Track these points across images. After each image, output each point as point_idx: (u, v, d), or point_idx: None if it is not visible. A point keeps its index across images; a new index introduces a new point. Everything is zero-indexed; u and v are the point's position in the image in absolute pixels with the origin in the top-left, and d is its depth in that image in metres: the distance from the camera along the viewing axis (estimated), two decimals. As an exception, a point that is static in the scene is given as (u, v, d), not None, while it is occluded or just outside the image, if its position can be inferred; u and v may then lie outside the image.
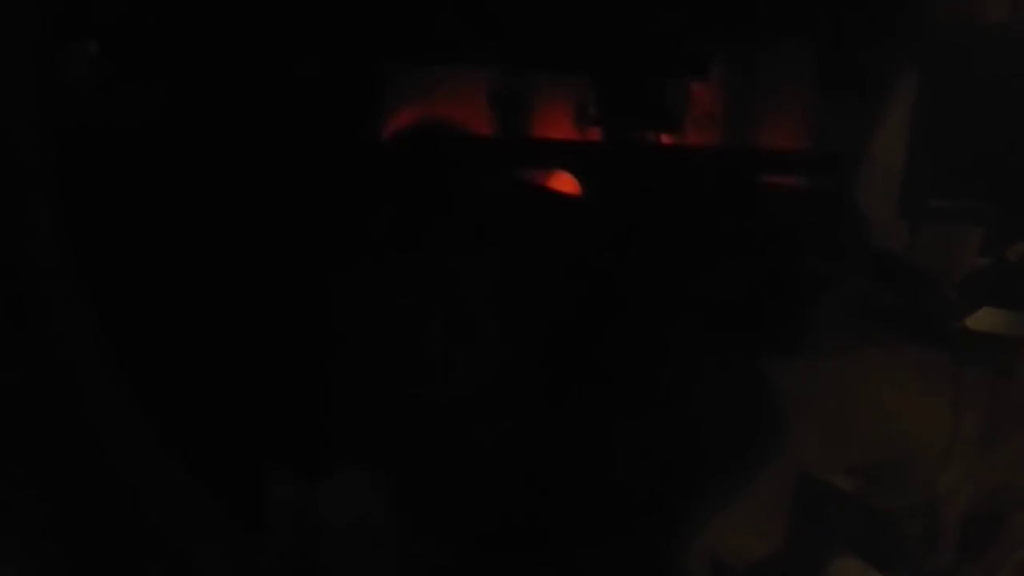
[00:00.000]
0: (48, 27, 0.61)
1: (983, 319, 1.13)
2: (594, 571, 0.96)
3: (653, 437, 0.98)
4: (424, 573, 0.87)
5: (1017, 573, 1.10)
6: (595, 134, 1.15)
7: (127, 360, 0.67)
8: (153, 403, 0.67)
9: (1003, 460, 1.15)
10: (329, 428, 0.78)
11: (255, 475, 0.76)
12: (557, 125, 1.15)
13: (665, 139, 1.18)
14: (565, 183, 1.10)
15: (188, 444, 0.68)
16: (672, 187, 1.04)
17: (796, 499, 1.22)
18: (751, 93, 1.24)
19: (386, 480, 0.80)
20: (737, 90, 1.24)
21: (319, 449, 0.80)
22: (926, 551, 1.19)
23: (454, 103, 1.11)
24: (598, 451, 0.93)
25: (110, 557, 0.64)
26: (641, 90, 1.12)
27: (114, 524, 0.63)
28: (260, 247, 0.83)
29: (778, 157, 1.25)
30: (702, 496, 1.08)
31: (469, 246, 0.97)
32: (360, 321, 0.83)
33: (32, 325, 0.61)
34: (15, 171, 0.62)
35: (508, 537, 0.88)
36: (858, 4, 1.05)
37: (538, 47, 1.05)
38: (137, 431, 0.63)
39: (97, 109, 0.97)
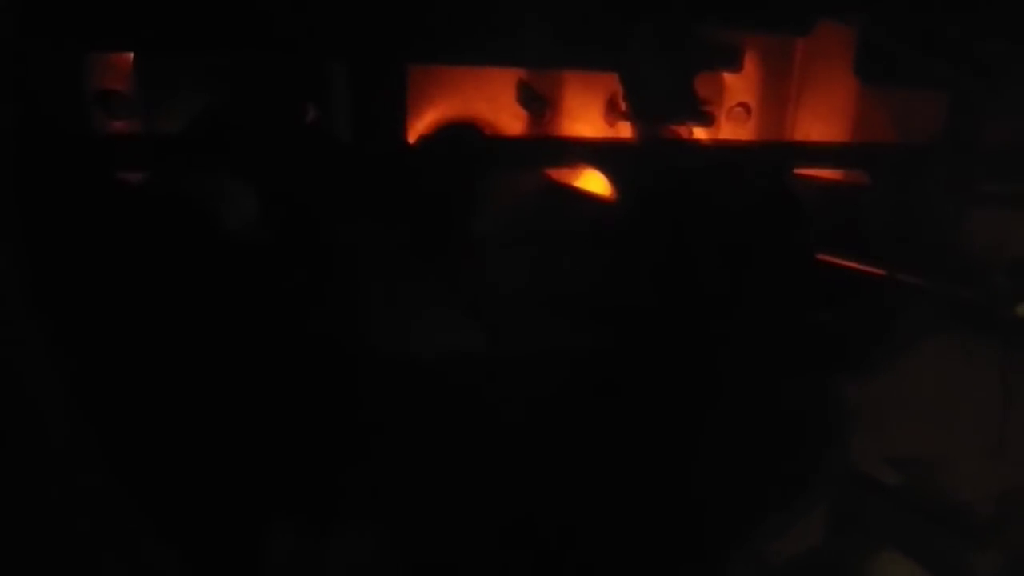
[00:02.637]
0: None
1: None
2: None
3: (713, 452, 0.96)
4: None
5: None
6: (625, 129, 1.14)
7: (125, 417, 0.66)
8: (155, 464, 0.67)
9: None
10: (336, 485, 0.78)
11: (258, 532, 0.76)
12: (587, 121, 1.15)
13: (697, 133, 1.16)
14: (594, 181, 1.09)
15: (190, 502, 0.69)
16: (704, 183, 1.02)
17: (838, 491, 1.20)
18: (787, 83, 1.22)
19: (393, 537, 0.80)
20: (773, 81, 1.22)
21: (325, 506, 0.79)
22: (973, 548, 1.17)
23: (483, 101, 1.10)
24: (638, 483, 0.92)
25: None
26: (672, 83, 1.10)
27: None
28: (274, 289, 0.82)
29: (815, 148, 1.22)
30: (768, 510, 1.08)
31: (498, 248, 0.97)
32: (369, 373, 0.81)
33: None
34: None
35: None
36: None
37: (566, 43, 1.03)
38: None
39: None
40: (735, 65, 1.19)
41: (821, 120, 1.24)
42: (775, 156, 1.19)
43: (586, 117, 1.14)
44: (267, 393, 0.73)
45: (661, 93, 1.10)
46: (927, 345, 1.14)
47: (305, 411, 0.74)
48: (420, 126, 1.08)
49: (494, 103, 1.11)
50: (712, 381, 0.96)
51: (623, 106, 1.13)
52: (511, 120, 1.12)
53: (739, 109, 1.22)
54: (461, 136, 1.09)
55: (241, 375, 0.72)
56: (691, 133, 1.16)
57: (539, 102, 1.12)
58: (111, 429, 0.56)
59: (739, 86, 1.21)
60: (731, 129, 1.22)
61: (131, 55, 0.98)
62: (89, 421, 0.54)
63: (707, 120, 1.15)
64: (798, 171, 1.19)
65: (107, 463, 0.54)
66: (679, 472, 0.96)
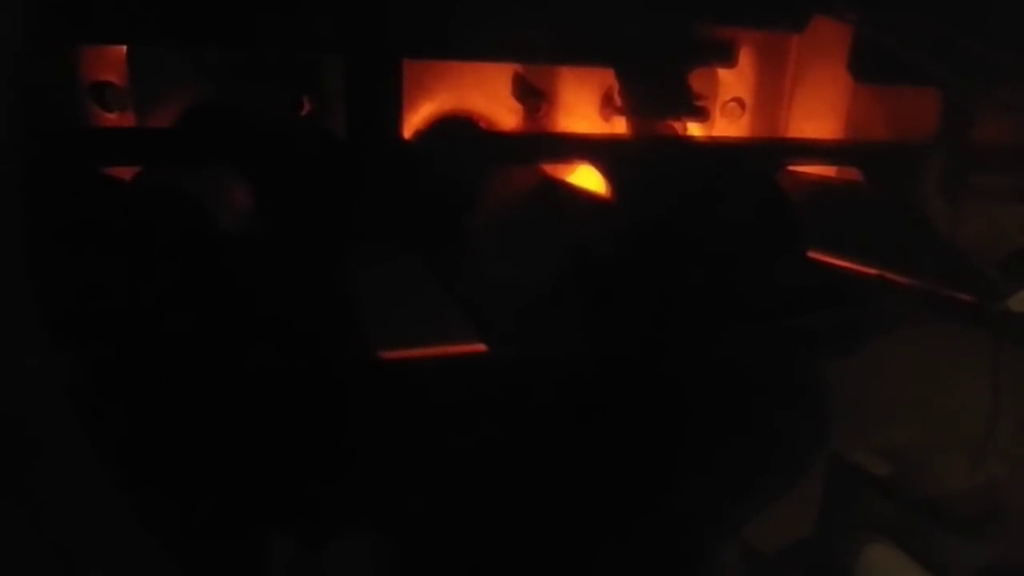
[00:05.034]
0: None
1: (1026, 300, 1.10)
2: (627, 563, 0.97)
3: (701, 441, 0.97)
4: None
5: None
6: (620, 123, 1.14)
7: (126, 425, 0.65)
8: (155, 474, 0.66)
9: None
10: (334, 495, 0.77)
11: (258, 541, 0.76)
12: (582, 115, 1.15)
13: (692, 128, 1.17)
14: (588, 177, 1.09)
15: (189, 511, 0.69)
16: (696, 180, 1.02)
17: (827, 484, 1.21)
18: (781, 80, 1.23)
19: (390, 547, 0.80)
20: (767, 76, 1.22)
21: (324, 515, 0.79)
22: (961, 538, 1.18)
23: (478, 95, 1.10)
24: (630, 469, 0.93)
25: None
26: (667, 78, 1.10)
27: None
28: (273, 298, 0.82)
29: (808, 145, 1.23)
30: (752, 497, 1.08)
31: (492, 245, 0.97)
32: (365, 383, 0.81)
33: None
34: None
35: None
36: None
37: (563, 38, 1.03)
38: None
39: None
40: (729, 60, 1.19)
41: (815, 116, 1.24)
42: (768, 152, 1.20)
43: (582, 111, 1.14)
44: (263, 394, 0.73)
45: (656, 88, 1.11)
46: (918, 338, 1.15)
47: (301, 414, 0.74)
48: (415, 120, 1.07)
49: (490, 97, 1.11)
50: (703, 375, 0.97)
51: (618, 100, 1.13)
52: (506, 114, 1.12)
53: (733, 104, 1.22)
54: (456, 130, 1.09)
55: (236, 374, 0.72)
56: (685, 128, 1.16)
57: (535, 96, 1.12)
58: (108, 431, 0.56)
59: (733, 81, 1.21)
60: (725, 124, 1.23)
61: (124, 47, 0.97)
62: (85, 422, 0.54)
63: (701, 115, 1.15)
64: (791, 167, 1.20)
65: (104, 467, 0.54)
66: (669, 465, 0.97)
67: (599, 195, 1.06)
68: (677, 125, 1.15)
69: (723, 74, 1.20)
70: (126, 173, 0.93)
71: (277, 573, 0.77)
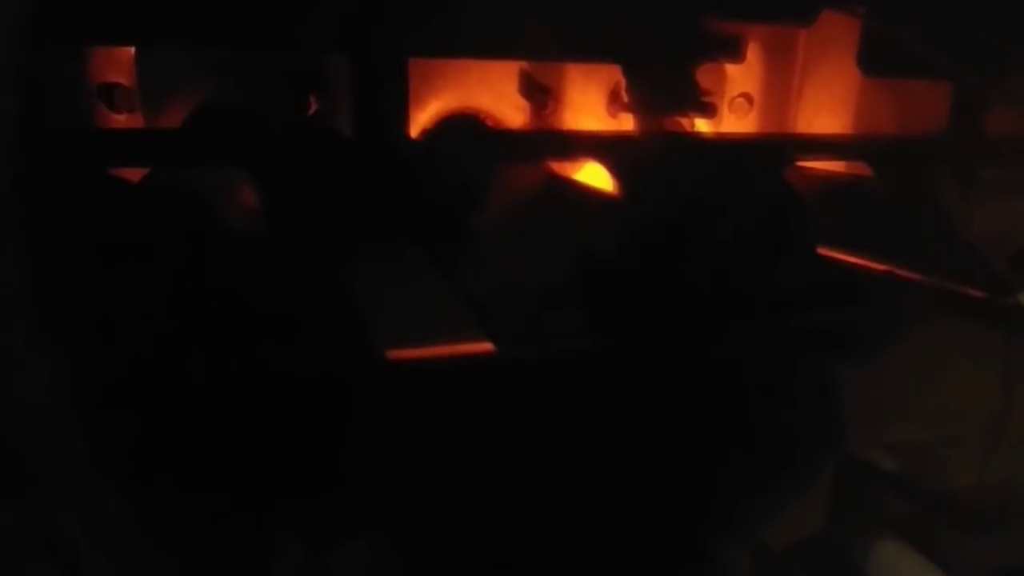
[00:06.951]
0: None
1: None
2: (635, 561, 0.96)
3: (712, 442, 0.97)
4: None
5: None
6: (628, 120, 1.14)
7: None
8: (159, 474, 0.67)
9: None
10: (341, 496, 0.77)
11: (264, 545, 0.76)
12: (590, 111, 1.14)
13: (700, 124, 1.16)
14: (596, 174, 1.09)
15: (195, 515, 0.69)
16: (705, 177, 1.02)
17: (838, 479, 1.21)
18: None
19: (397, 549, 0.80)
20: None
21: (331, 517, 0.79)
22: (972, 536, 1.18)
23: (485, 92, 1.10)
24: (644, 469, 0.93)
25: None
26: (674, 74, 1.10)
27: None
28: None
29: (818, 140, 1.22)
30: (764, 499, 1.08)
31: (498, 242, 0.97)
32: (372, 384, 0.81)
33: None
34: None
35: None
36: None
37: (570, 34, 1.03)
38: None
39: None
40: (737, 56, 1.19)
41: (823, 111, 1.24)
42: (777, 148, 1.19)
43: (589, 108, 1.14)
44: (269, 395, 0.73)
45: (663, 84, 1.10)
46: (929, 333, 1.14)
47: (306, 414, 0.74)
48: (422, 118, 1.07)
49: (497, 94, 1.11)
50: (711, 373, 0.96)
51: (626, 97, 1.13)
52: (514, 111, 1.12)
53: (741, 100, 1.22)
54: (463, 128, 1.09)
55: (242, 375, 0.72)
56: (693, 124, 1.16)
57: (541, 93, 1.12)
58: (113, 433, 0.56)
59: (741, 77, 1.21)
60: (733, 120, 1.22)
61: (133, 49, 0.98)
62: (90, 424, 0.54)
63: (709, 111, 1.15)
64: (800, 163, 1.19)
65: (108, 471, 0.54)
66: (679, 462, 0.97)
67: (606, 193, 1.06)
68: (685, 121, 1.14)
69: (731, 69, 1.20)
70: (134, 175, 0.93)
71: (283, 575, 0.77)
